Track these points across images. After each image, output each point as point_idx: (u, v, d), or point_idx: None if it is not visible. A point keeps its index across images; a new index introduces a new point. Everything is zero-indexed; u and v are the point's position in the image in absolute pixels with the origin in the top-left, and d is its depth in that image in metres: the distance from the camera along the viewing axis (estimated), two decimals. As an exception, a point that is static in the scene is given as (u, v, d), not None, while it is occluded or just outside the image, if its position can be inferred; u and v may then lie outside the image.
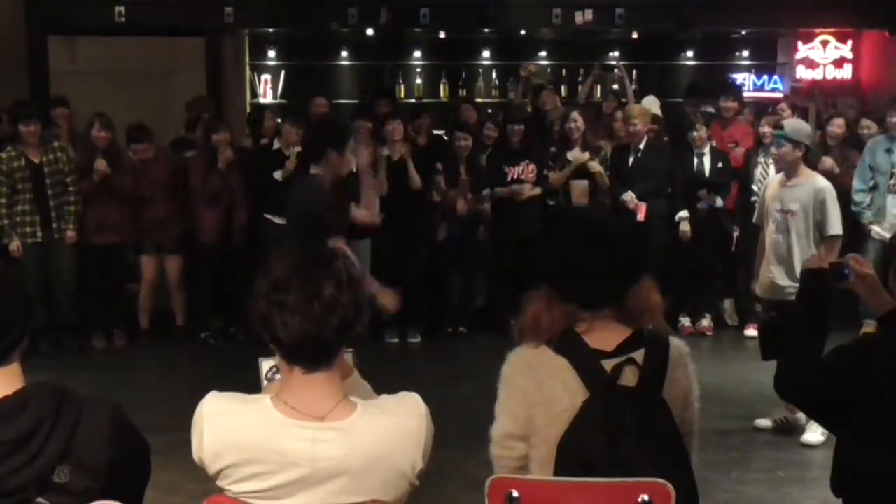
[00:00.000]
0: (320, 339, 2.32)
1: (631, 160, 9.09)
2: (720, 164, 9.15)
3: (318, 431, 2.34)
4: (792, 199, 6.55)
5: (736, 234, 9.30)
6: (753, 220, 7.07)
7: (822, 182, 6.63)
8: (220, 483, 2.37)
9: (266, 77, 12.13)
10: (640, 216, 8.77)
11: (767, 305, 6.70)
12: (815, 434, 6.21)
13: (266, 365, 2.82)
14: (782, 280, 6.49)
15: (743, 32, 12.06)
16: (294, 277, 2.33)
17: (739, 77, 12.16)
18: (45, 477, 2.26)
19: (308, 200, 5.58)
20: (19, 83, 9.28)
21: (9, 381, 2.34)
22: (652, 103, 9.74)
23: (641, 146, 9.06)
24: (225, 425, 2.36)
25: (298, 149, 8.78)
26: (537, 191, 9.20)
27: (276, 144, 9.00)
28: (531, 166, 9.20)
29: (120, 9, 10.72)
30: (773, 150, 6.78)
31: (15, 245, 8.39)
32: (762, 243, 6.75)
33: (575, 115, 9.27)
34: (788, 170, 6.61)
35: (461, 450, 4.15)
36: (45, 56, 10.96)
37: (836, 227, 6.50)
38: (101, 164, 8.59)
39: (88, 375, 7.66)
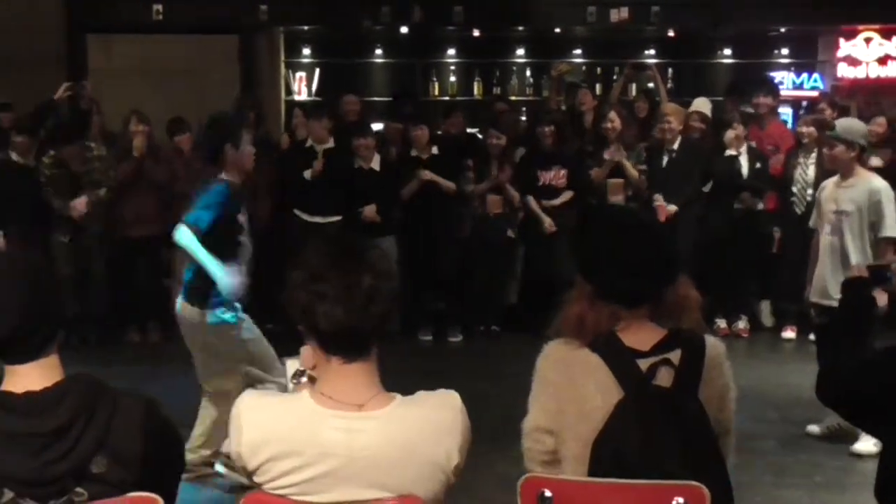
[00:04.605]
0: (360, 329, 2.35)
1: (665, 160, 9.01)
2: (758, 165, 9.05)
3: (353, 421, 2.35)
4: (846, 200, 6.39)
5: (777, 235, 9.20)
6: (810, 223, 6.89)
7: (879, 182, 6.45)
8: (258, 479, 2.38)
9: (301, 74, 12.17)
10: (661, 217, 8.65)
11: (818, 310, 6.47)
12: (867, 444, 5.96)
13: (291, 366, 2.80)
14: (837, 284, 6.31)
15: (782, 30, 11.94)
16: (332, 268, 2.35)
17: (778, 75, 12.00)
18: (83, 467, 2.29)
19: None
20: (58, 81, 9.34)
21: (47, 373, 2.37)
22: (703, 104, 9.63)
23: (675, 146, 8.98)
24: (262, 419, 2.38)
25: (328, 145, 8.82)
26: (567, 196, 9.12)
27: (309, 142, 9.02)
28: (562, 172, 9.13)
29: (157, 7, 10.81)
30: (825, 150, 6.61)
31: (79, 201, 8.50)
32: (815, 248, 6.60)
33: (612, 114, 9.21)
34: (843, 170, 6.45)
35: (493, 448, 4.13)
36: (84, 54, 11.05)
37: (891, 228, 6.31)
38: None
39: (122, 368, 7.68)
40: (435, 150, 9.11)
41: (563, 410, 2.68)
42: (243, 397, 2.46)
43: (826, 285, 6.37)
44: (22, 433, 2.28)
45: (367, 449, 2.33)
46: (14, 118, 9.21)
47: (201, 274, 5.36)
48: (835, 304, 6.06)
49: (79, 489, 2.29)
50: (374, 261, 2.39)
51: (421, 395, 2.47)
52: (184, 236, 5.30)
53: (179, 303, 5.55)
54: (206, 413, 5.71)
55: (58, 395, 2.32)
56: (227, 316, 5.42)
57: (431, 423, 2.40)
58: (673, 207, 8.73)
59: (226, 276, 5.31)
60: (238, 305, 5.49)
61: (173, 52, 11.04)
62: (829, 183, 6.64)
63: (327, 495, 2.34)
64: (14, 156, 8.68)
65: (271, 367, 5.50)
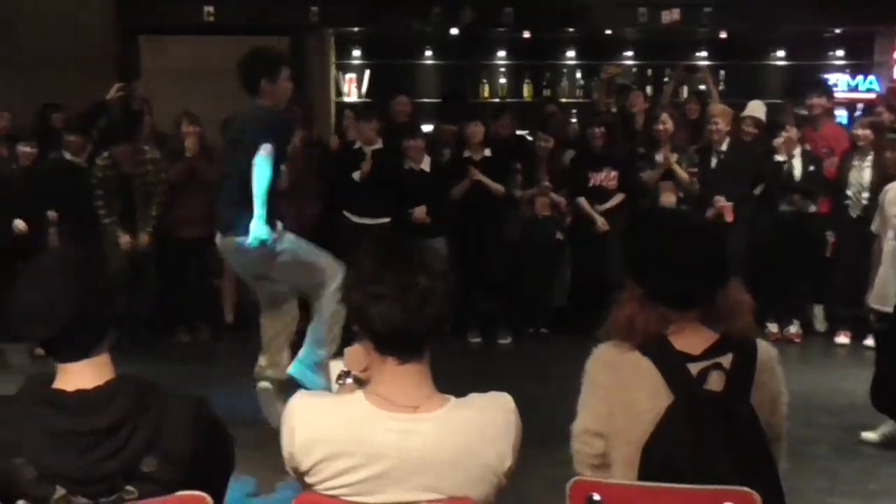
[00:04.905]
0: (415, 330, 2.35)
1: (714, 162, 8.95)
2: (812, 168, 8.95)
3: (408, 423, 2.34)
4: None
5: (831, 238, 9.09)
6: (872, 228, 6.79)
7: None
8: (310, 480, 2.38)
9: (351, 76, 12.20)
10: (729, 218, 8.59)
11: (878, 315, 6.37)
12: None
13: (335, 367, 2.80)
14: None
15: (837, 31, 11.79)
16: (388, 269, 2.35)
17: (833, 77, 11.83)
18: (133, 466, 2.31)
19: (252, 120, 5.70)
20: (110, 82, 9.46)
21: (99, 371, 2.39)
22: (757, 108, 9.56)
23: (724, 147, 8.92)
24: (316, 419, 2.38)
25: (377, 146, 8.83)
26: (618, 199, 9.09)
27: (358, 143, 9.05)
28: (613, 173, 9.09)
29: (209, 8, 10.90)
30: (889, 154, 6.54)
31: (125, 238, 8.58)
32: (877, 252, 6.50)
33: (664, 116, 9.16)
34: None
35: (541, 450, 4.10)
36: (137, 55, 11.16)
37: None
38: (19, 226, 8.59)
39: (171, 368, 7.75)
40: (488, 152, 9.11)
41: (613, 413, 2.67)
42: (295, 397, 2.46)
43: (887, 290, 6.27)
44: (73, 431, 2.30)
45: (421, 451, 2.33)
46: (66, 118, 9.34)
47: (234, 208, 5.65)
48: (894, 309, 6.01)
49: (129, 487, 2.31)
50: (429, 261, 2.39)
51: (474, 396, 2.46)
52: (263, 170, 5.47)
53: (217, 240, 5.90)
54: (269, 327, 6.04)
55: (109, 394, 2.35)
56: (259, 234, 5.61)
57: (485, 425, 2.40)
58: (730, 205, 8.67)
59: (261, 228, 5.52)
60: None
61: (224, 52, 11.04)
62: (893, 186, 6.55)
63: (380, 496, 2.34)
64: (67, 155, 8.80)
65: (321, 277, 5.78)
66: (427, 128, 10.02)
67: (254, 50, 5.94)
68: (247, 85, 5.77)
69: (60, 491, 2.28)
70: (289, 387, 5.69)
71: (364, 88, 12.18)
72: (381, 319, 2.33)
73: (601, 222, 8.97)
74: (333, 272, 5.79)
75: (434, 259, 2.42)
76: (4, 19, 10.53)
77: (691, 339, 2.68)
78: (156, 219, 8.84)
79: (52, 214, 8.67)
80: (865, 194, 8.60)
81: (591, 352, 2.77)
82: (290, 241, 5.86)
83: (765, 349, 2.73)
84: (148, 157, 8.82)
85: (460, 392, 2.47)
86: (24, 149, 8.69)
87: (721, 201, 8.66)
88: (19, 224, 8.46)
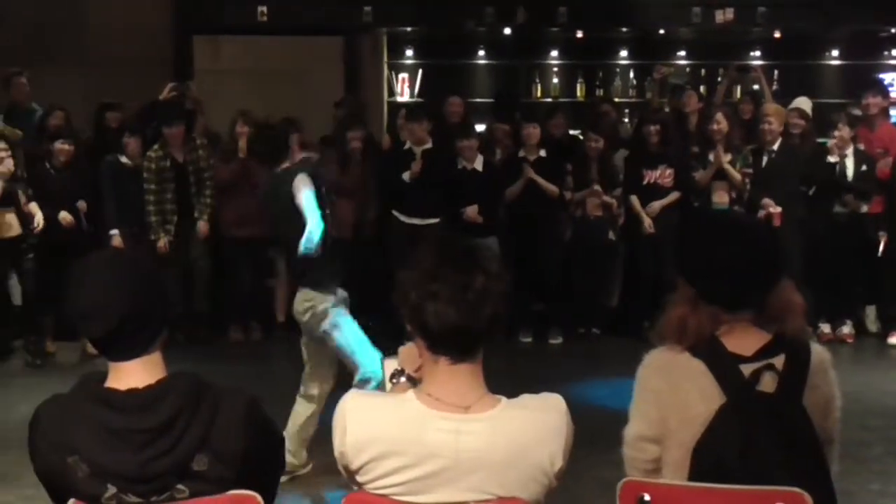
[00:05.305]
0: (470, 330, 2.34)
1: (764, 161, 8.90)
2: (864, 168, 8.86)
3: (461, 423, 2.35)
4: None
5: (883, 239, 9.00)
6: None
7: None
8: (361, 479, 2.39)
9: (403, 76, 12.22)
10: (776, 223, 8.53)
11: None
12: None
13: (389, 366, 2.84)
14: None
15: (892, 30, 11.63)
16: (445, 268, 2.35)
17: (888, 77, 11.71)
18: (185, 464, 2.33)
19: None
20: (165, 83, 9.59)
21: (150, 370, 2.41)
22: (803, 102, 9.51)
23: (775, 147, 8.86)
24: (367, 419, 2.39)
25: (427, 146, 8.86)
26: (673, 197, 9.05)
27: (408, 144, 9.08)
28: (668, 171, 9.06)
29: (262, 8, 10.98)
30: None
31: (162, 242, 8.67)
32: None
33: (719, 116, 9.11)
34: None
35: (592, 451, 4.12)
36: (190, 55, 11.28)
37: None
38: (66, 218, 8.53)
39: (223, 367, 7.81)
40: (543, 152, 9.11)
41: (666, 418, 2.67)
42: (347, 397, 2.47)
43: None
44: (125, 429, 2.32)
45: (473, 451, 2.34)
46: (121, 118, 9.44)
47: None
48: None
49: (180, 486, 2.33)
50: (487, 262, 2.39)
51: (525, 397, 2.46)
52: (304, 184, 5.37)
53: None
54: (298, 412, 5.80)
55: (161, 393, 2.36)
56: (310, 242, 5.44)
57: (537, 426, 2.40)
58: (779, 209, 8.61)
59: (315, 235, 5.33)
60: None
61: (278, 53, 11.19)
62: None
63: (430, 496, 2.35)
64: (122, 158, 8.86)
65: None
66: (480, 127, 10.04)
67: (264, 125, 5.98)
68: (275, 154, 5.72)
69: (112, 489, 2.31)
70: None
71: (417, 88, 12.21)
72: (435, 318, 2.33)
73: (648, 224, 8.93)
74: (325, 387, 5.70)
75: (491, 260, 2.41)
76: (69, 23, 10.70)
77: (743, 340, 2.67)
78: (211, 206, 8.93)
79: (81, 205, 8.62)
80: (919, 194, 8.53)
81: (643, 356, 2.76)
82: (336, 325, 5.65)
83: (818, 352, 2.72)
84: (198, 142, 8.93)
85: (511, 392, 2.48)
86: (63, 146, 8.65)
87: (770, 204, 8.60)
88: (66, 217, 8.48)
